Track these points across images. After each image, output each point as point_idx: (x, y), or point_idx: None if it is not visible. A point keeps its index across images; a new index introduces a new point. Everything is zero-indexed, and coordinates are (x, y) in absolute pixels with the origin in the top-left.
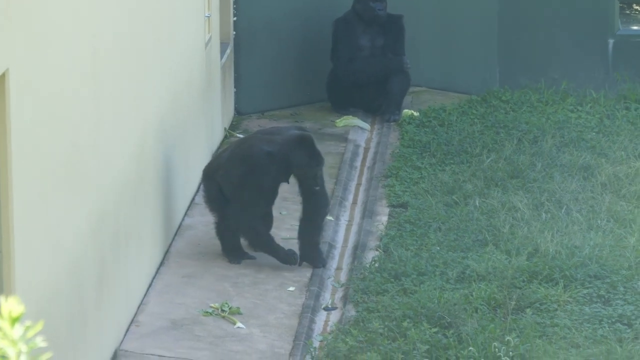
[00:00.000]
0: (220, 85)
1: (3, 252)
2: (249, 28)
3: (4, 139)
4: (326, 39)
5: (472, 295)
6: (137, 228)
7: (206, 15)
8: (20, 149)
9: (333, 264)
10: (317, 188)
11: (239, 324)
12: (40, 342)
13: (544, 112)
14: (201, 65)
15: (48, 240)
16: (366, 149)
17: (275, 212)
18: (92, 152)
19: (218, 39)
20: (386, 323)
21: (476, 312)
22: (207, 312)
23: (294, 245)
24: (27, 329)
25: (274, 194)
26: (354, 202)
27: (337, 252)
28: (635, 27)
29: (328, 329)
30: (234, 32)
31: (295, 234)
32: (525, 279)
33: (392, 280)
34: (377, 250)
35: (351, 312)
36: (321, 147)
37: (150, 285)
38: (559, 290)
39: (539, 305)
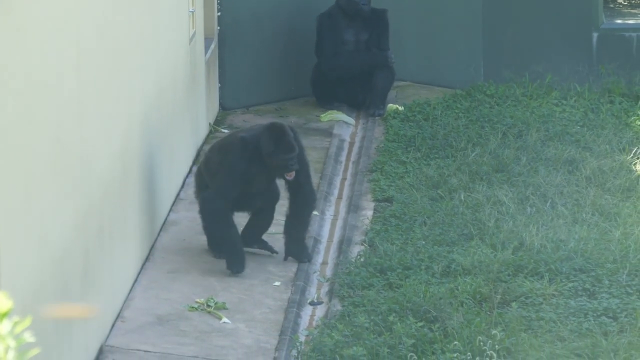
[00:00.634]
0: (204, 81)
1: None
2: (233, 23)
3: None
4: (310, 34)
5: (457, 289)
6: (122, 224)
7: (190, 10)
8: (2, 145)
9: (318, 259)
10: (289, 178)
11: (224, 319)
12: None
13: (529, 106)
14: (185, 61)
15: (33, 236)
16: (351, 144)
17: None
18: (77, 148)
19: (202, 34)
20: (372, 317)
21: (462, 306)
22: (192, 307)
23: (279, 241)
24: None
25: (250, 185)
26: (339, 197)
27: (322, 247)
28: (619, 21)
29: (314, 323)
30: (218, 27)
31: (281, 228)
32: (510, 273)
33: (378, 274)
34: (362, 244)
35: (337, 306)
36: (306, 141)
37: (135, 281)
38: (544, 284)
39: (524, 299)
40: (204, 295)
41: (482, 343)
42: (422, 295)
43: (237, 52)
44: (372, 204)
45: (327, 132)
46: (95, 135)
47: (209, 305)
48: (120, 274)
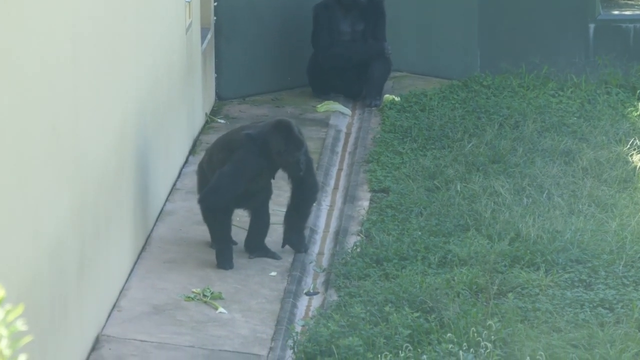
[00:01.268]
0: (201, 71)
1: None
2: (230, 13)
3: None
4: (307, 24)
5: (454, 280)
6: (118, 213)
7: (186, 0)
8: (0, 137)
9: (315, 249)
10: (301, 174)
11: (220, 309)
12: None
13: (525, 97)
14: (182, 51)
15: (28, 227)
16: (347, 134)
17: None
18: (72, 138)
19: (199, 24)
20: (368, 308)
21: (458, 296)
22: (189, 297)
23: (276, 232)
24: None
25: (255, 182)
26: (336, 187)
27: (318, 237)
28: (615, 12)
29: (310, 313)
30: (215, 17)
31: (279, 219)
32: (507, 264)
33: (374, 265)
34: (358, 235)
35: (333, 296)
36: (303, 132)
37: (132, 271)
38: (540, 275)
39: (520, 290)
40: (200, 285)
41: (478, 334)
42: (418, 286)
43: (234, 42)
44: (368, 195)
45: (324, 123)
46: (90, 125)
47: (205, 295)
48: (117, 264)
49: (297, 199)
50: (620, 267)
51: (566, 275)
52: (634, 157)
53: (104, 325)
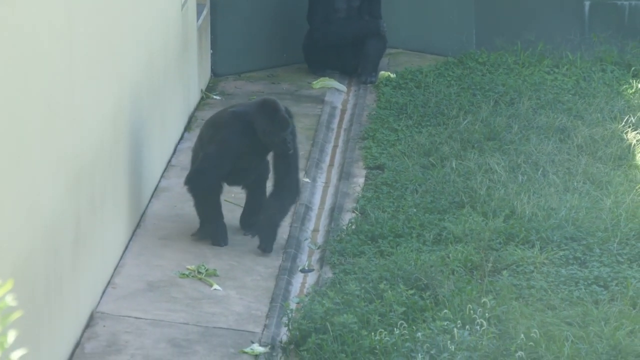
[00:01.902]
0: (196, 47)
1: None
2: None
3: None
4: (302, 1)
5: (448, 258)
6: (113, 190)
7: None
8: None
9: (310, 226)
10: (290, 152)
11: (215, 286)
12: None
13: (520, 74)
14: (177, 27)
15: (23, 202)
16: (343, 111)
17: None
18: (67, 113)
19: (194, 1)
20: (363, 285)
21: (453, 274)
22: (183, 274)
23: None
24: None
25: (243, 160)
26: (331, 164)
27: (313, 214)
28: None
29: (305, 291)
30: None
31: None
32: (501, 241)
33: (369, 242)
34: (353, 212)
35: (328, 274)
36: (298, 108)
37: (126, 248)
38: (535, 252)
39: (515, 267)
40: (195, 262)
41: (472, 311)
42: (413, 263)
43: (229, 18)
44: (363, 172)
45: (319, 99)
46: (86, 101)
47: (199, 272)
48: (111, 241)
49: (278, 193)
50: (615, 245)
51: (561, 253)
52: (628, 134)
53: (99, 302)
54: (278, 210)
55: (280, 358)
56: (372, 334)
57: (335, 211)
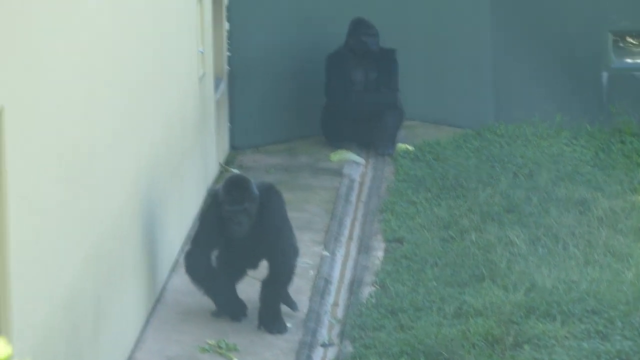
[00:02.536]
0: (214, 120)
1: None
2: (243, 63)
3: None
4: (320, 73)
5: (469, 331)
6: (132, 265)
7: (199, 50)
8: (15, 188)
9: (329, 300)
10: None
11: None
12: None
13: (539, 145)
14: (195, 101)
15: (44, 279)
16: (361, 184)
17: None
18: (87, 189)
19: (212, 74)
20: (383, 359)
21: (474, 347)
22: (204, 348)
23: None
24: None
25: (226, 240)
26: (350, 237)
27: (333, 288)
28: (629, 60)
29: None
30: (228, 68)
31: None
32: (522, 314)
33: (389, 315)
34: (373, 285)
35: (348, 348)
36: (316, 181)
37: (147, 322)
38: (556, 326)
39: (536, 341)
40: (215, 337)
41: None
42: (433, 337)
43: (247, 91)
44: (382, 245)
45: (337, 172)
46: (105, 176)
47: (220, 347)
48: (132, 315)
49: (269, 277)
50: (637, 318)
51: (582, 326)
52: None
53: None
54: (270, 297)
55: None
56: None
57: (354, 285)
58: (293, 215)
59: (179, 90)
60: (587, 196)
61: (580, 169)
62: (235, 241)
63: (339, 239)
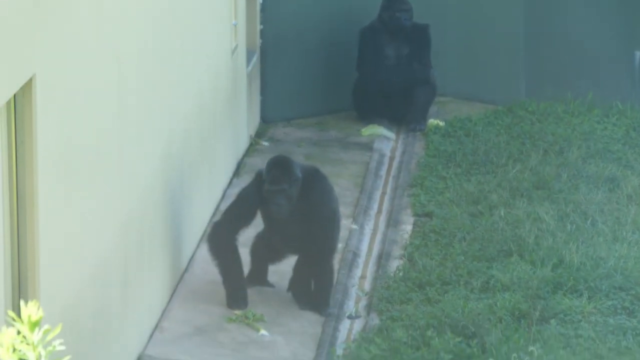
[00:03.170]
0: (246, 93)
1: (28, 258)
2: (276, 36)
3: (31, 147)
4: (352, 47)
5: (496, 305)
6: (162, 234)
7: (233, 23)
8: (46, 156)
9: (357, 272)
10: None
11: (262, 331)
12: (58, 346)
13: (570, 123)
14: (227, 73)
15: (73, 246)
16: (391, 158)
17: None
18: (117, 159)
19: (244, 47)
20: (410, 332)
21: (500, 322)
22: (231, 318)
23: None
24: (46, 333)
25: (271, 220)
26: (379, 211)
27: (361, 261)
28: None
29: (352, 337)
30: (261, 40)
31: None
32: (549, 290)
33: (416, 289)
34: (401, 259)
35: (375, 320)
36: (346, 155)
37: (174, 291)
38: (583, 302)
39: (563, 316)
40: None
41: (520, 359)
42: (460, 311)
43: (279, 65)
44: (411, 219)
45: (368, 147)
46: (136, 147)
47: (247, 317)
48: (159, 284)
49: (303, 260)
50: None
51: (609, 302)
52: None
53: (146, 346)
54: (306, 280)
55: None
56: None
57: (382, 258)
58: None
59: (212, 62)
60: (616, 174)
61: (610, 147)
62: (276, 223)
63: (368, 213)
